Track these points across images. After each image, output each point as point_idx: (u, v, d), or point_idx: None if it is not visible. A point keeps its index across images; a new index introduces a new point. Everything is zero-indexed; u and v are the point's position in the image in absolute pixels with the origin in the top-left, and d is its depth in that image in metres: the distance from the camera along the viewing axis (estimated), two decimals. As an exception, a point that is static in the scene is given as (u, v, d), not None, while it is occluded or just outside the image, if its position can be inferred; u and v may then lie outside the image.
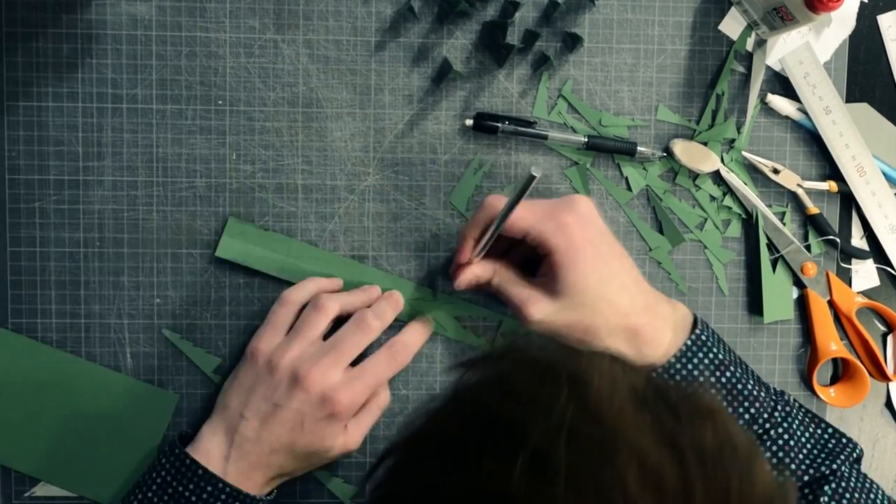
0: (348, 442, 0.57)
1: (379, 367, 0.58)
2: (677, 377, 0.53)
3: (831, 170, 0.64)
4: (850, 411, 0.66)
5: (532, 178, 0.50)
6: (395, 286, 0.61)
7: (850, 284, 0.65)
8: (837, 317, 0.65)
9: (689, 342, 0.54)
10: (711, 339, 0.55)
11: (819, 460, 0.55)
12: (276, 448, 0.55)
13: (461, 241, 0.57)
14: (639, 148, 0.62)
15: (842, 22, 0.64)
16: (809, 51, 0.63)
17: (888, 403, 0.67)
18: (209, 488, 0.54)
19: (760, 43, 0.63)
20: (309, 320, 0.58)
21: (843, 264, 0.65)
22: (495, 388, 0.34)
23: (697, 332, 0.55)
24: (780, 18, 0.59)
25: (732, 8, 0.62)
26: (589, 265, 0.53)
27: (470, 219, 0.56)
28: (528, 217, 0.54)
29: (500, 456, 0.30)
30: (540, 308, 0.53)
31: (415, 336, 0.60)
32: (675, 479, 0.29)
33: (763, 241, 0.63)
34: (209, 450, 0.56)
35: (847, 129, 0.63)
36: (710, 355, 0.54)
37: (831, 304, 0.65)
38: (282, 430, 0.55)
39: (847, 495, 0.54)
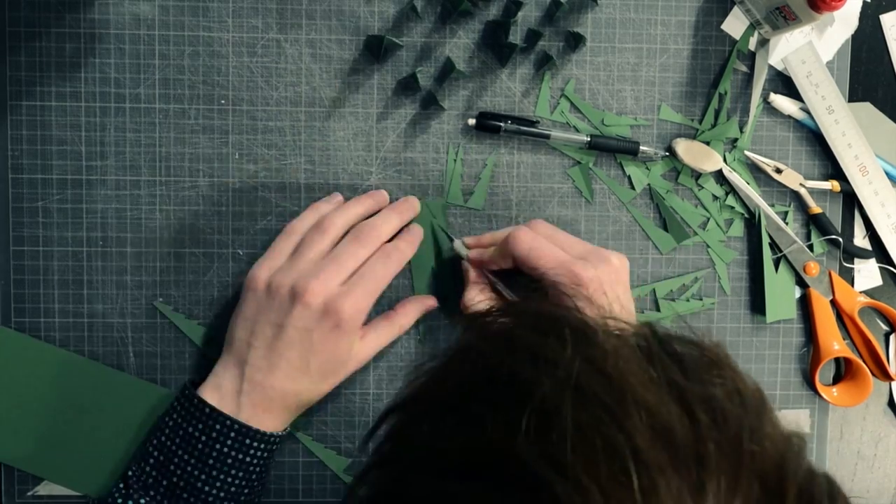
0: (361, 352, 0.56)
1: (374, 270, 0.56)
2: None
3: (834, 169, 0.64)
4: (853, 411, 0.66)
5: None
6: None
7: (852, 284, 0.65)
8: (840, 316, 0.65)
9: None
10: None
11: None
12: (289, 374, 0.54)
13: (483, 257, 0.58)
14: (641, 147, 0.62)
15: (844, 21, 0.64)
16: (812, 50, 0.63)
17: (891, 403, 0.67)
18: (217, 426, 0.53)
19: (763, 42, 0.63)
20: (310, 241, 0.56)
21: (845, 264, 0.65)
22: (498, 343, 0.33)
23: None
24: (783, 18, 0.59)
25: (735, 7, 0.62)
26: None
27: (497, 248, 0.57)
28: (548, 262, 0.54)
29: (504, 414, 0.29)
30: None
31: (406, 240, 0.59)
32: (686, 435, 0.28)
33: (765, 241, 0.63)
34: (220, 385, 0.54)
35: (849, 129, 0.63)
36: None
37: (834, 303, 0.64)
38: (291, 351, 0.53)
39: None
